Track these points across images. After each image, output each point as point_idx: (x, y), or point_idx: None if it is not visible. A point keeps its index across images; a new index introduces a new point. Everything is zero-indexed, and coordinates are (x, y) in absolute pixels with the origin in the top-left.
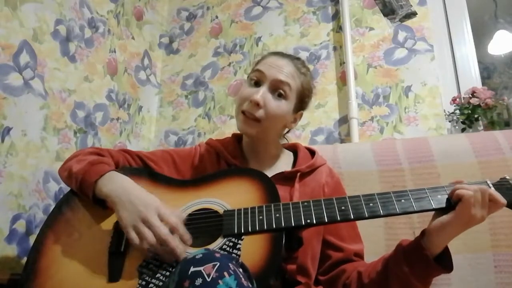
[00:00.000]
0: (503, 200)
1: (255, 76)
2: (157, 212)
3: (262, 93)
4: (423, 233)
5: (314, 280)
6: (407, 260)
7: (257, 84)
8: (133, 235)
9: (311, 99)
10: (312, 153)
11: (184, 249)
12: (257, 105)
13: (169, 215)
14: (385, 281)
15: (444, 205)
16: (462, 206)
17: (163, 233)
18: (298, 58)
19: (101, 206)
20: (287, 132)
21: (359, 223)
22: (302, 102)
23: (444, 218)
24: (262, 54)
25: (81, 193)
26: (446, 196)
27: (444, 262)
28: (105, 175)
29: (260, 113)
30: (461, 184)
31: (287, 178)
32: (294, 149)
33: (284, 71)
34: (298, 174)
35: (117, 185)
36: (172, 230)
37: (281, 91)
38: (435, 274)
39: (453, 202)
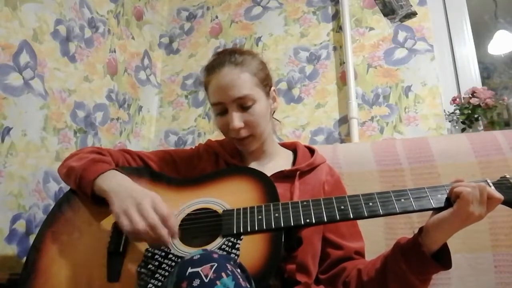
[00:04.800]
0: (499, 196)
1: (217, 109)
2: (152, 201)
3: (235, 118)
4: (421, 230)
5: (315, 279)
6: (405, 257)
7: (224, 111)
8: (124, 221)
9: (267, 68)
10: (312, 151)
11: (169, 240)
12: (239, 129)
13: (163, 206)
14: (383, 278)
15: (443, 205)
16: (460, 203)
17: (151, 218)
18: (230, 52)
19: (99, 203)
20: (274, 112)
21: (359, 223)
22: (264, 83)
23: (442, 214)
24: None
25: (80, 190)
26: (446, 195)
27: (442, 259)
28: (105, 173)
29: (246, 131)
30: (459, 182)
31: (287, 176)
32: (293, 147)
33: (232, 84)
34: (298, 172)
35: (117, 182)
36: (163, 220)
37: (245, 103)
38: (433, 271)
39: (452, 201)
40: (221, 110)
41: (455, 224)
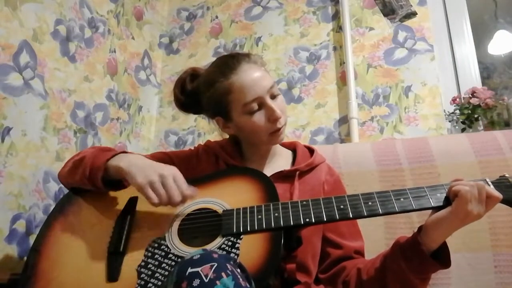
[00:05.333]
0: (497, 194)
1: (254, 106)
2: (173, 176)
3: (276, 107)
4: (420, 229)
5: (315, 278)
6: (404, 256)
7: (259, 107)
8: (150, 193)
9: None
10: (311, 151)
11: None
12: (279, 118)
13: (184, 183)
14: (383, 277)
15: (442, 203)
16: (459, 202)
17: (183, 192)
18: (236, 54)
19: (109, 188)
20: None
21: (359, 222)
22: None
23: (441, 213)
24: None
25: (89, 177)
26: (445, 195)
27: (441, 258)
28: (117, 155)
29: (283, 119)
30: (458, 181)
31: (286, 177)
32: (293, 147)
33: (262, 76)
34: (298, 172)
35: (133, 158)
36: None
37: (275, 92)
38: (432, 270)
39: (451, 199)
40: (258, 106)
41: (454, 223)
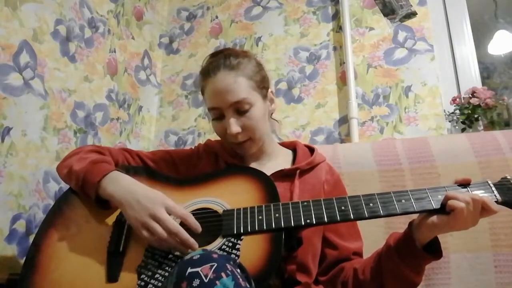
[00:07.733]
0: (495, 208)
1: (214, 114)
2: (164, 206)
3: (232, 124)
4: (411, 224)
5: (314, 280)
6: (398, 253)
7: (221, 116)
8: (145, 233)
9: (264, 70)
10: (311, 150)
11: (194, 240)
12: (237, 134)
13: (175, 207)
14: (379, 275)
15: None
16: (454, 218)
17: (172, 226)
18: (225, 55)
19: (103, 206)
20: (271, 114)
21: (359, 223)
22: (261, 86)
23: (437, 220)
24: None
25: (83, 192)
26: (442, 201)
27: (433, 249)
28: (107, 175)
29: (244, 135)
30: (453, 192)
31: (287, 175)
32: (292, 147)
33: (228, 89)
34: (298, 171)
35: (121, 185)
36: (182, 221)
37: (242, 108)
38: (426, 262)
39: (446, 210)
40: (218, 115)
41: (450, 230)
